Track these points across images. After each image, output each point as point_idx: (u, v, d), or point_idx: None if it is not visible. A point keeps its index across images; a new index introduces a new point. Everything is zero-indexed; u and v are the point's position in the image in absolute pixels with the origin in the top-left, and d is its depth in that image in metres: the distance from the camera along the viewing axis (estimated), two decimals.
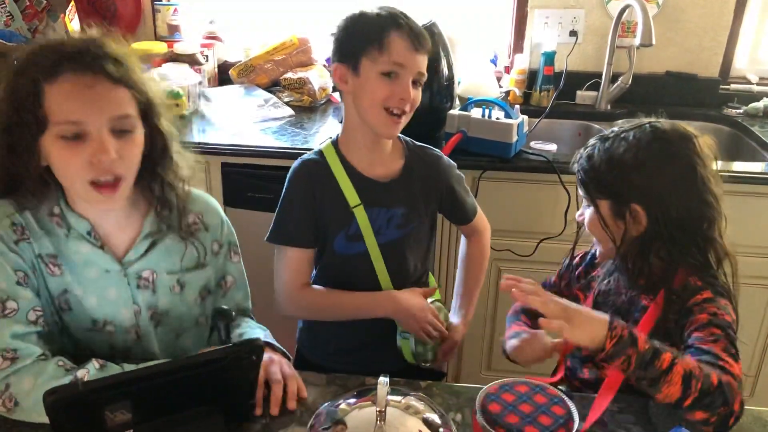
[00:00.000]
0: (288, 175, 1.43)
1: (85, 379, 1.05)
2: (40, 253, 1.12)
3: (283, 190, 1.42)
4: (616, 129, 1.22)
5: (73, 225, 1.13)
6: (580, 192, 1.25)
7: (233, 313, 1.16)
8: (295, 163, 1.43)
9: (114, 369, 1.10)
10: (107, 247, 1.16)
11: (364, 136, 1.39)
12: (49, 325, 1.15)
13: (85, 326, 1.17)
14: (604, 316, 1.02)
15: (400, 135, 1.46)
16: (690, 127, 1.20)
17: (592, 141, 1.24)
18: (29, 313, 1.09)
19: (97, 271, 1.15)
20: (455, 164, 1.54)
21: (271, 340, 1.28)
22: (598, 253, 1.28)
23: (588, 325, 1.02)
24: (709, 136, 1.20)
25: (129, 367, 1.11)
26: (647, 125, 1.19)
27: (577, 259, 1.41)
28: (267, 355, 1.17)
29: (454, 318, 1.52)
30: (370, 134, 1.38)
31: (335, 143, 1.44)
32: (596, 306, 1.28)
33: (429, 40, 1.35)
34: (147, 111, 1.12)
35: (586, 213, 1.25)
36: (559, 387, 1.16)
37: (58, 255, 1.13)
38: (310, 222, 1.40)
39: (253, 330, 1.30)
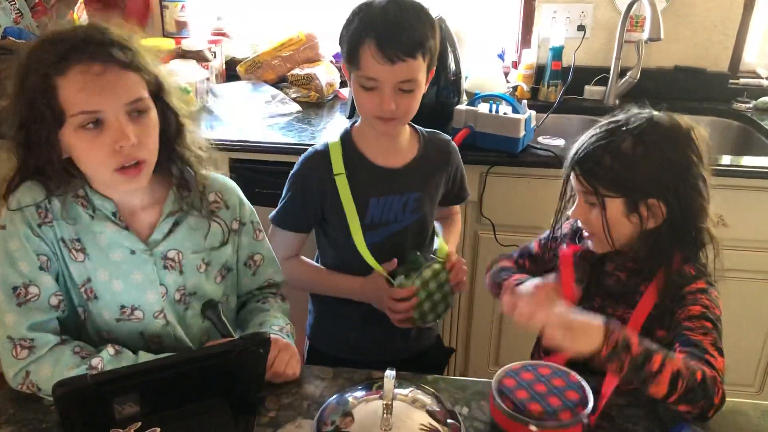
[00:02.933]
0: (296, 163, 1.48)
1: (100, 367, 1.08)
2: (63, 237, 1.13)
3: (289, 176, 1.48)
4: (610, 121, 1.20)
5: (98, 206, 1.14)
6: (578, 188, 1.22)
7: (220, 303, 1.20)
8: (304, 154, 1.48)
9: (128, 355, 1.11)
10: (132, 228, 1.16)
11: (371, 130, 1.42)
12: (75, 316, 1.17)
13: (114, 315, 1.17)
14: (599, 322, 1.04)
15: (414, 124, 1.50)
16: (685, 117, 1.20)
17: (589, 137, 1.21)
18: (51, 298, 1.12)
19: (122, 253, 1.15)
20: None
21: (285, 327, 1.29)
22: (591, 246, 1.27)
23: (586, 334, 1.03)
24: (702, 127, 1.20)
25: (143, 355, 1.12)
26: (646, 117, 1.18)
27: (566, 229, 1.39)
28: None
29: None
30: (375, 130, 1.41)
31: (349, 134, 1.46)
32: (586, 287, 1.28)
33: (412, 46, 1.28)
34: (158, 91, 1.13)
35: (593, 210, 1.22)
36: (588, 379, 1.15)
37: (81, 238, 1.13)
38: (305, 211, 1.46)
39: (275, 320, 1.29)
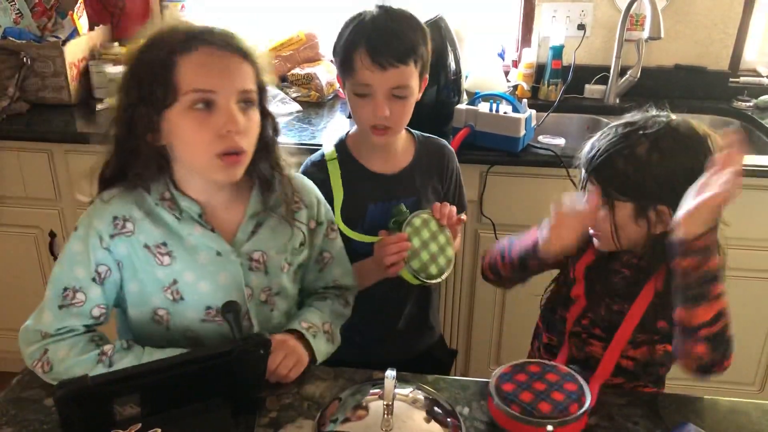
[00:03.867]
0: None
1: (110, 353, 1.10)
2: (147, 243, 1.14)
3: None
4: (627, 123, 1.19)
5: (184, 208, 1.15)
6: (589, 186, 1.22)
7: (240, 305, 1.15)
8: (302, 166, 1.47)
9: (137, 349, 1.13)
10: (217, 230, 1.17)
11: (366, 139, 1.43)
12: (149, 325, 1.18)
13: (199, 315, 1.17)
14: (709, 225, 1.05)
15: (409, 129, 1.51)
16: (703, 125, 1.19)
17: (603, 137, 1.20)
18: (94, 309, 1.14)
19: (208, 255, 1.16)
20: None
21: (316, 326, 1.25)
22: (596, 243, 1.27)
23: (706, 217, 1.04)
24: (719, 135, 1.18)
25: (149, 350, 1.13)
26: (665, 122, 1.17)
27: None
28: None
29: None
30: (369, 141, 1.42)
31: (344, 142, 1.48)
32: (588, 282, 1.29)
33: (404, 52, 1.31)
34: (262, 96, 1.15)
35: (601, 212, 1.21)
36: (571, 366, 1.17)
37: (168, 242, 1.14)
38: None
39: (310, 316, 1.27)
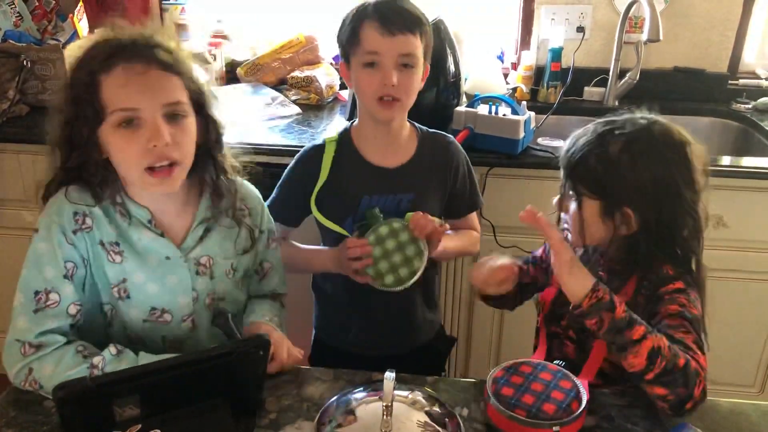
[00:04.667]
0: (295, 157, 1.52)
1: (101, 365, 1.09)
2: (102, 240, 1.15)
3: (286, 169, 1.52)
4: (608, 121, 1.19)
5: (133, 214, 1.17)
6: (562, 180, 1.23)
7: (229, 313, 1.20)
8: (303, 148, 1.51)
9: (129, 355, 1.12)
10: (167, 235, 1.19)
11: (374, 126, 1.44)
12: (97, 317, 1.18)
13: (143, 315, 1.19)
14: (593, 279, 1.07)
15: (415, 123, 1.51)
16: (685, 131, 1.17)
17: (582, 135, 1.20)
18: (70, 307, 1.14)
19: (158, 258, 1.18)
20: (464, 152, 1.57)
21: (273, 318, 1.31)
22: (569, 238, 1.26)
23: (579, 278, 1.08)
24: (701, 145, 1.17)
25: (143, 355, 1.13)
26: (643, 124, 1.16)
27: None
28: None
29: None
30: (379, 124, 1.42)
31: (347, 131, 1.49)
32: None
33: (411, 20, 1.35)
34: (199, 100, 1.16)
35: (571, 205, 1.22)
36: (556, 362, 1.17)
37: (120, 242, 1.16)
38: (294, 204, 1.48)
39: (262, 309, 1.32)
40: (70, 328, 1.14)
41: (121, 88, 1.07)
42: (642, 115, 1.19)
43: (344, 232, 1.43)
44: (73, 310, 1.14)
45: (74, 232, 1.13)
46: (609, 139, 1.15)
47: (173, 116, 1.10)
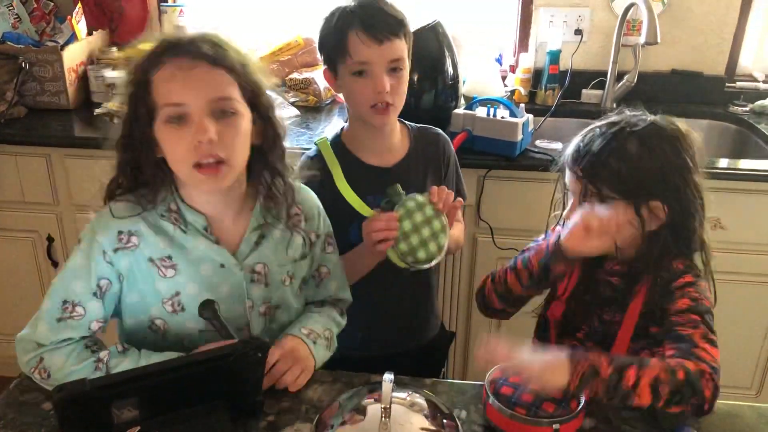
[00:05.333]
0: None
1: (106, 359, 1.10)
2: (152, 257, 1.14)
3: None
4: (611, 123, 1.20)
5: (189, 221, 1.15)
6: (576, 189, 1.22)
7: (216, 303, 1.14)
8: (298, 164, 1.45)
9: (133, 352, 1.13)
10: (222, 242, 1.17)
11: (366, 129, 1.45)
12: (147, 335, 1.17)
13: (200, 326, 1.17)
14: (563, 358, 1.05)
15: (405, 121, 1.52)
16: (680, 121, 1.22)
17: (589, 139, 1.20)
18: (92, 323, 1.14)
19: (212, 267, 1.16)
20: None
21: (316, 332, 1.24)
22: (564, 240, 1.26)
23: (552, 372, 1.04)
24: (695, 132, 1.22)
25: (146, 353, 1.13)
26: (648, 120, 1.20)
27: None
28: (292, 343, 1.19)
29: None
30: (371, 127, 1.43)
31: (338, 137, 1.49)
32: (576, 289, 1.29)
33: (396, 24, 1.35)
34: (255, 100, 1.13)
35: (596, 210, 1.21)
36: None
37: (173, 255, 1.15)
38: None
39: (310, 322, 1.26)
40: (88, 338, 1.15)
41: (169, 84, 1.06)
42: (634, 113, 1.22)
43: (369, 212, 1.38)
44: (95, 326, 1.14)
45: (115, 251, 1.13)
46: (624, 138, 1.17)
47: (222, 113, 1.08)
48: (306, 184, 1.41)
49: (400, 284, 1.50)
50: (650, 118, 1.21)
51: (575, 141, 1.24)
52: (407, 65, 1.40)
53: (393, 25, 1.35)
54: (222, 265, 1.16)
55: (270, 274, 1.21)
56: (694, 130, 1.22)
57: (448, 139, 1.59)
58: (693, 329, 1.10)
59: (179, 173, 1.12)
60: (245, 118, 1.11)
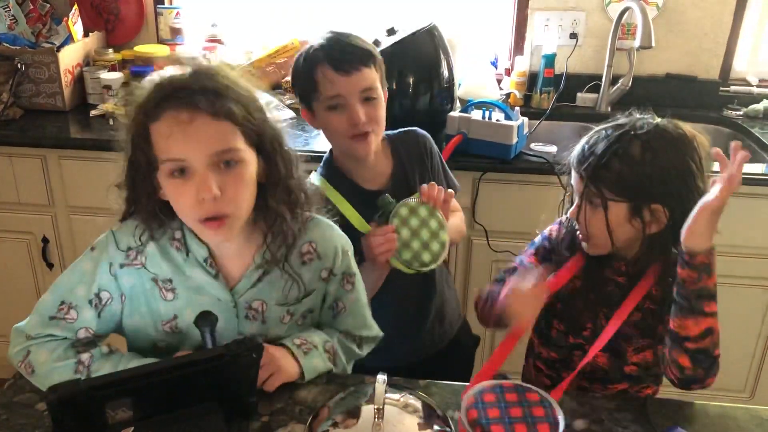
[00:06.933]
0: None
1: (87, 362, 1.11)
2: (156, 277, 1.15)
3: None
4: (617, 125, 1.21)
5: (192, 250, 1.15)
6: (580, 190, 1.23)
7: (216, 316, 1.12)
8: None
9: (118, 354, 1.14)
10: (221, 276, 1.16)
11: (351, 159, 1.47)
12: (157, 356, 1.17)
13: (195, 347, 1.17)
14: (712, 242, 1.09)
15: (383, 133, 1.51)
16: (688, 125, 1.22)
17: (594, 141, 1.21)
18: (80, 330, 1.14)
19: (209, 299, 1.16)
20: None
21: (309, 344, 1.21)
22: (585, 248, 1.27)
23: (710, 231, 1.08)
24: (703, 136, 1.23)
25: (128, 356, 1.14)
26: (654, 123, 1.20)
27: (555, 232, 1.40)
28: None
29: None
30: (354, 157, 1.45)
31: (330, 162, 1.51)
32: (582, 287, 1.30)
33: (363, 55, 1.37)
34: (260, 141, 1.09)
35: (590, 212, 1.22)
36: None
37: (173, 279, 1.16)
38: None
39: (307, 334, 1.23)
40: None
41: (168, 139, 1.02)
42: (642, 116, 1.23)
43: (368, 228, 1.39)
44: (82, 333, 1.14)
45: (121, 266, 1.14)
46: (628, 141, 1.18)
47: (226, 164, 1.04)
48: None
49: (406, 287, 1.51)
50: (656, 121, 1.21)
51: (582, 142, 1.25)
52: (381, 93, 1.41)
53: (360, 56, 1.37)
54: (219, 299, 1.17)
55: (268, 311, 1.20)
56: None
57: (425, 132, 1.59)
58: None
59: (185, 222, 1.12)
60: (250, 164, 1.08)
